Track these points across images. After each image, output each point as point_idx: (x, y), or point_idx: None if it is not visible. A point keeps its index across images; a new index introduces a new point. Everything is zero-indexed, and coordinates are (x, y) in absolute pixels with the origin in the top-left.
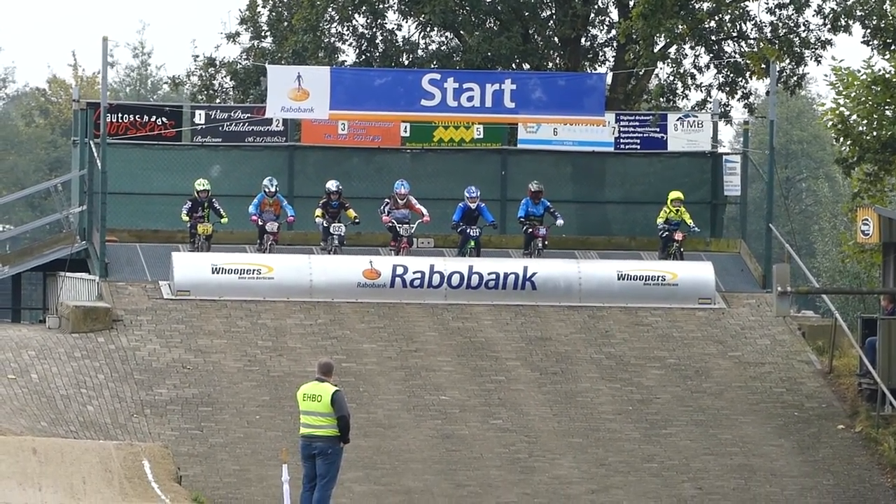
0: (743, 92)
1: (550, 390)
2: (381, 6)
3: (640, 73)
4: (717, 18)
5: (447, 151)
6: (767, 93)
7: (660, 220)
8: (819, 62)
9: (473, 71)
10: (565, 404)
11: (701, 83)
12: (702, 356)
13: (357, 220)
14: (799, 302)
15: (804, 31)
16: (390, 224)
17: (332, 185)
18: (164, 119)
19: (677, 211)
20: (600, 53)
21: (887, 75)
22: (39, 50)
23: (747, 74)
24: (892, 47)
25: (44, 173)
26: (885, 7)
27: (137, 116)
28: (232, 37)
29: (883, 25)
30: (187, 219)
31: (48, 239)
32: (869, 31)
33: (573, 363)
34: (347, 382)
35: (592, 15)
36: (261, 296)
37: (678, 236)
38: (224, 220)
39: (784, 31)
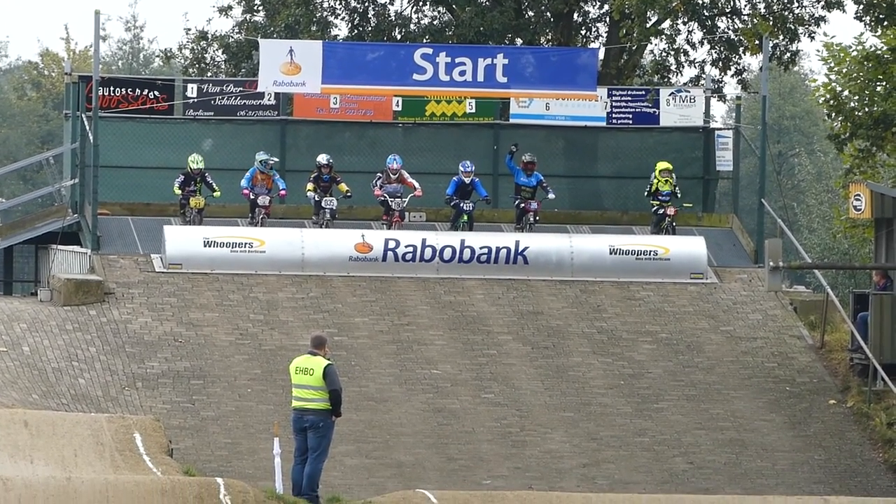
0: (736, 68)
1: (542, 364)
2: None
3: (633, 48)
4: None
5: (439, 126)
6: (761, 69)
7: (647, 193)
8: (812, 38)
9: (466, 45)
10: (557, 378)
11: (694, 59)
12: (693, 331)
13: (349, 194)
14: (791, 277)
15: (798, 7)
16: (382, 198)
17: (322, 158)
18: (156, 93)
19: (666, 181)
20: (593, 28)
21: (879, 52)
22: (32, 24)
23: (741, 50)
24: (885, 23)
25: (36, 147)
26: None
27: (129, 90)
28: (224, 10)
29: (875, 2)
30: (179, 192)
31: (40, 212)
32: (861, 6)
33: (565, 337)
34: (339, 356)
35: None
36: (253, 269)
37: (670, 211)
38: (216, 194)
39: (778, 7)
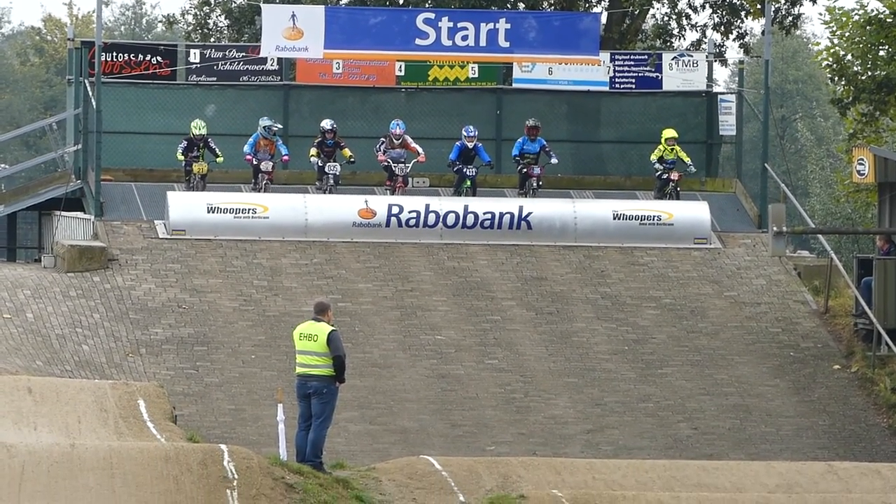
0: (738, 32)
1: (546, 330)
2: None
3: (635, 12)
4: None
5: (442, 91)
6: (763, 33)
7: (654, 158)
8: (815, 2)
9: (468, 10)
10: (561, 344)
11: (696, 23)
12: (697, 296)
13: (352, 160)
14: (794, 242)
15: None
16: (386, 163)
17: (326, 123)
18: (158, 58)
19: (672, 149)
20: None
21: (881, 16)
22: None
23: (742, 14)
24: None
25: (39, 112)
26: None
27: (132, 55)
28: None
29: None
30: (182, 158)
31: (43, 178)
32: None
33: (568, 303)
34: (343, 322)
35: None
36: (256, 235)
37: (674, 176)
38: (219, 160)
39: None
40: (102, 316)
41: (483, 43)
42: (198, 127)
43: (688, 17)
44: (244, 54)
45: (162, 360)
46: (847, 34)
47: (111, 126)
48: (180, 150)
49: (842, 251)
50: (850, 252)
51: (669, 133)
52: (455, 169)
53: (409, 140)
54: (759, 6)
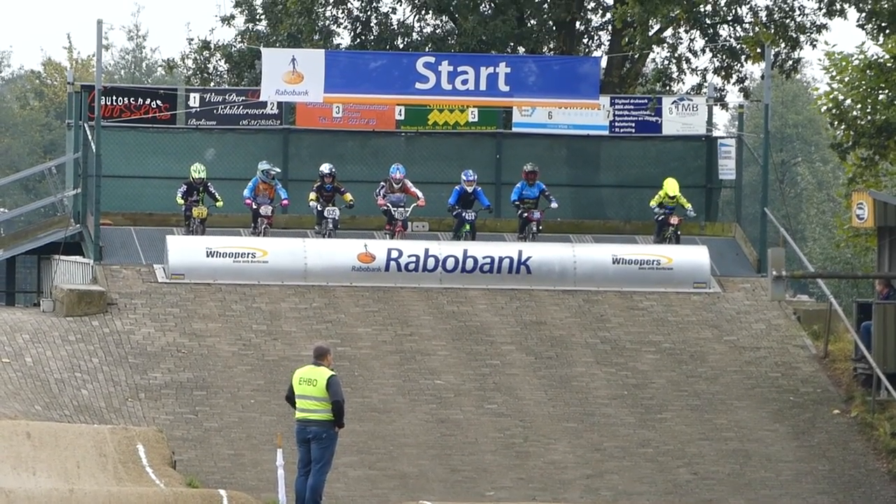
0: (738, 76)
1: (545, 375)
2: None
3: (636, 56)
4: (712, 2)
5: (442, 135)
6: (763, 77)
7: (653, 203)
8: (814, 46)
9: (468, 54)
10: (560, 389)
11: (696, 67)
12: (697, 340)
13: (352, 204)
14: (794, 286)
15: (800, 15)
16: (385, 207)
17: (325, 168)
18: (158, 102)
19: (672, 197)
20: (595, 37)
21: (881, 60)
22: (34, 33)
23: (742, 58)
24: (887, 32)
25: (38, 156)
26: None
27: (132, 99)
28: (227, 20)
29: (877, 10)
30: (182, 202)
31: (42, 222)
32: (864, 14)
33: (568, 347)
34: (342, 366)
35: None
36: (255, 279)
37: (674, 220)
38: (219, 204)
39: (779, 14)
40: (101, 360)
41: (483, 87)
42: (197, 171)
43: (688, 61)
44: (244, 98)
45: (161, 405)
46: (847, 79)
47: (110, 170)
48: (180, 195)
49: (841, 295)
50: (849, 296)
51: (673, 188)
52: (454, 213)
53: (409, 184)
54: (758, 50)
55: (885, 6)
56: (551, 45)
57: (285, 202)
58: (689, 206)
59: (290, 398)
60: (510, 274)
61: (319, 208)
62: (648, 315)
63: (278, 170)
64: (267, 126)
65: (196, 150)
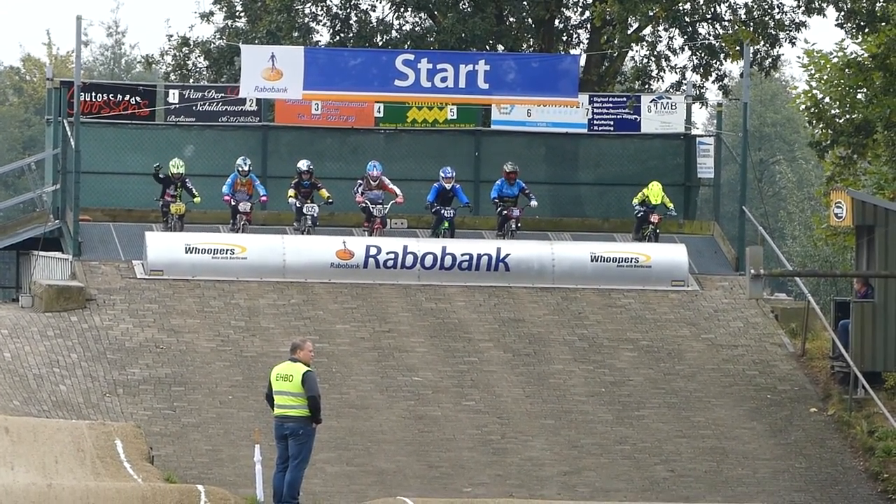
0: (717, 74)
1: (523, 372)
2: None
3: (615, 54)
4: (691, 0)
5: (421, 132)
6: (741, 75)
7: (636, 201)
8: (793, 44)
9: (447, 52)
10: (538, 386)
11: (675, 65)
12: (675, 338)
13: (330, 200)
14: (772, 284)
15: (779, 12)
16: (364, 204)
17: (302, 164)
18: (137, 98)
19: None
20: (574, 35)
21: (860, 59)
22: (13, 29)
23: (722, 56)
24: (865, 30)
25: (17, 152)
26: None
27: (111, 95)
28: (206, 16)
29: (856, 9)
30: (156, 171)
31: (21, 218)
32: (842, 13)
33: (546, 345)
34: (320, 363)
35: None
36: (234, 276)
37: (654, 218)
38: (197, 200)
39: (759, 12)
40: (80, 356)
41: (462, 84)
42: (176, 166)
43: (667, 58)
44: (223, 95)
45: (139, 401)
46: (825, 77)
47: (90, 166)
48: (155, 170)
49: (820, 293)
50: (828, 294)
51: (656, 194)
52: (433, 210)
53: (387, 181)
54: (737, 48)
55: (864, 5)
56: (530, 43)
57: (264, 198)
58: (671, 205)
59: (270, 396)
60: (488, 271)
61: (298, 205)
62: (626, 313)
63: (249, 161)
64: (246, 123)
65: (175, 146)
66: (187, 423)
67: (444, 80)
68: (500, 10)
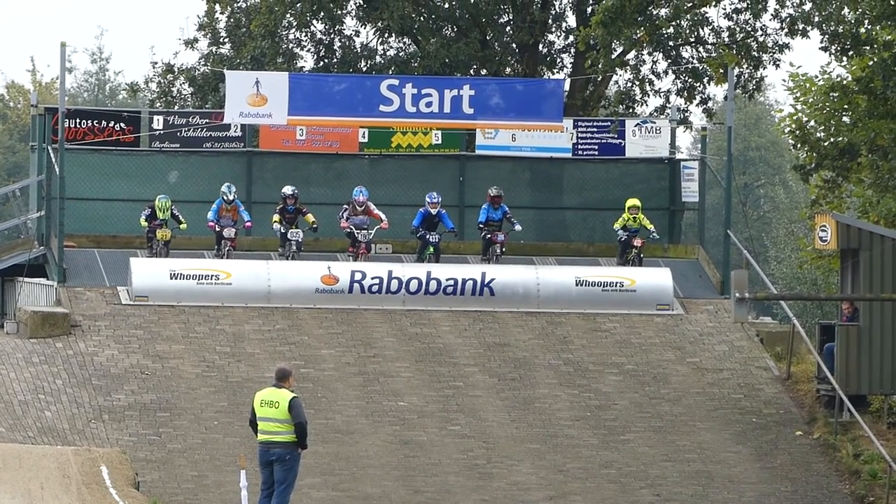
0: (701, 97)
1: (508, 396)
2: (338, 12)
3: (599, 79)
4: (675, 24)
5: (405, 157)
6: (725, 98)
7: (617, 226)
8: (777, 66)
9: (432, 77)
10: (523, 410)
11: (659, 89)
12: (660, 362)
13: (315, 226)
14: (757, 308)
15: (762, 35)
16: (349, 230)
17: (287, 189)
18: (122, 124)
19: (634, 218)
20: (558, 59)
21: (844, 82)
22: None
23: (705, 80)
24: (850, 54)
25: (2, 179)
26: (843, 13)
27: (96, 122)
28: (190, 43)
29: (841, 31)
30: (146, 224)
31: (6, 244)
32: (827, 36)
33: (531, 369)
34: (305, 388)
35: (550, 21)
36: (219, 301)
37: (637, 242)
38: (182, 227)
39: (742, 35)
40: (65, 382)
41: (447, 109)
42: (162, 210)
43: (651, 82)
44: (208, 121)
45: (125, 427)
46: (810, 100)
47: (74, 192)
48: (143, 217)
49: (806, 316)
50: (814, 317)
51: (632, 202)
52: (418, 235)
53: (372, 207)
54: (721, 72)
55: (849, 28)
56: (514, 68)
57: (248, 224)
58: (651, 227)
59: (253, 422)
60: (473, 296)
61: (283, 230)
62: (611, 337)
63: (234, 188)
64: (231, 149)
65: (160, 172)
66: (173, 448)
67: (428, 105)
68: (484, 35)
